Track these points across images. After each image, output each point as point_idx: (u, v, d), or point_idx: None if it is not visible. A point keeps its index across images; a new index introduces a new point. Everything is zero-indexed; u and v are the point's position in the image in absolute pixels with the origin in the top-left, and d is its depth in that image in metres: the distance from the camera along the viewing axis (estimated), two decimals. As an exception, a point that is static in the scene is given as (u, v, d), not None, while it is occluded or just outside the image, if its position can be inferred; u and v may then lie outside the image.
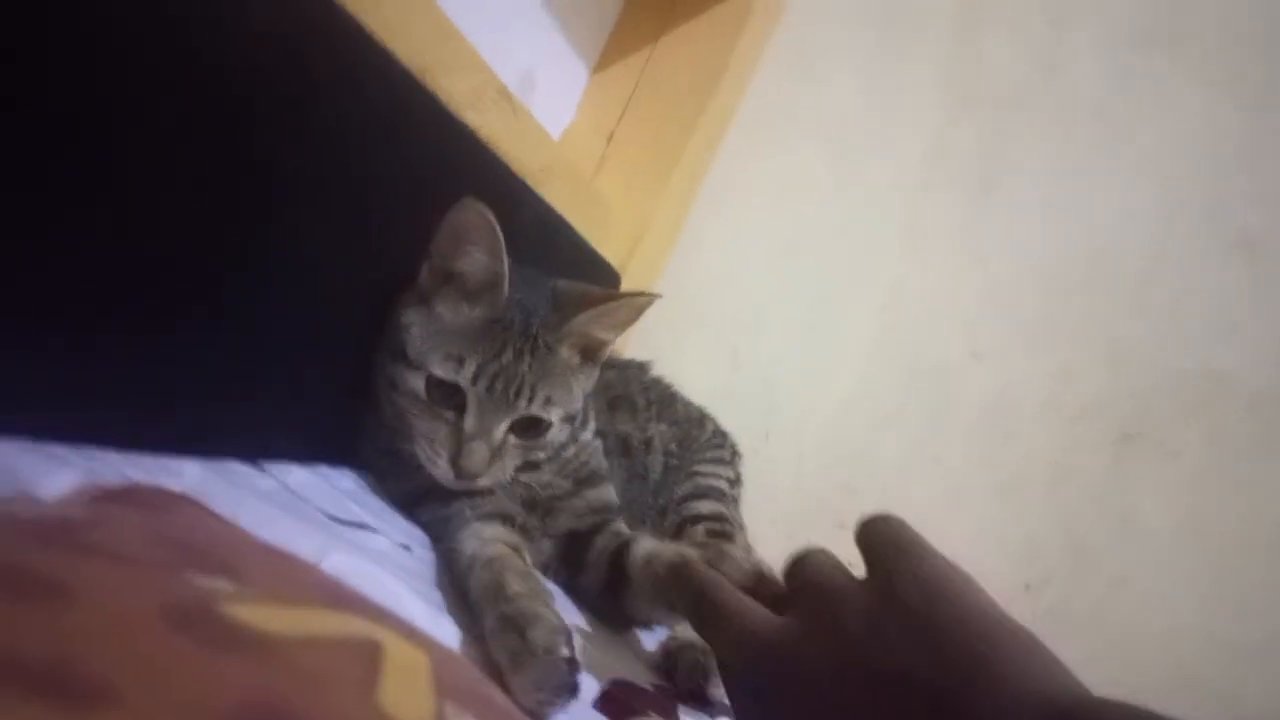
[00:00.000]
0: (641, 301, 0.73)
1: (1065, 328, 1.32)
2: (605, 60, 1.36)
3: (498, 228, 0.65)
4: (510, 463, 0.70)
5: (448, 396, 0.67)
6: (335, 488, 0.70)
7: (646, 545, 0.72)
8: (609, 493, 0.79)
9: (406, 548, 0.66)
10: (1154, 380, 1.27)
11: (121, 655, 0.15)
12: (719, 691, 0.65)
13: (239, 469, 0.63)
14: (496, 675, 0.51)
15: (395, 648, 0.23)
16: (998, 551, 1.30)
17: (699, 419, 1.11)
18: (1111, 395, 1.29)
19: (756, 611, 0.44)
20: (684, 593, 0.49)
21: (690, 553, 0.65)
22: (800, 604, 0.43)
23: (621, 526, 0.76)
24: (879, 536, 0.43)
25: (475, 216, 0.65)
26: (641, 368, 1.09)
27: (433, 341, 0.67)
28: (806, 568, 0.45)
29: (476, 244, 0.67)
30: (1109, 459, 1.27)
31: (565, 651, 0.51)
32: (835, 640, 0.39)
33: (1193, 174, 1.29)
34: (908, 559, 0.41)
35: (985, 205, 1.37)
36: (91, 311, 0.51)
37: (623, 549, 0.73)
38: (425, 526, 0.72)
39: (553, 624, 0.52)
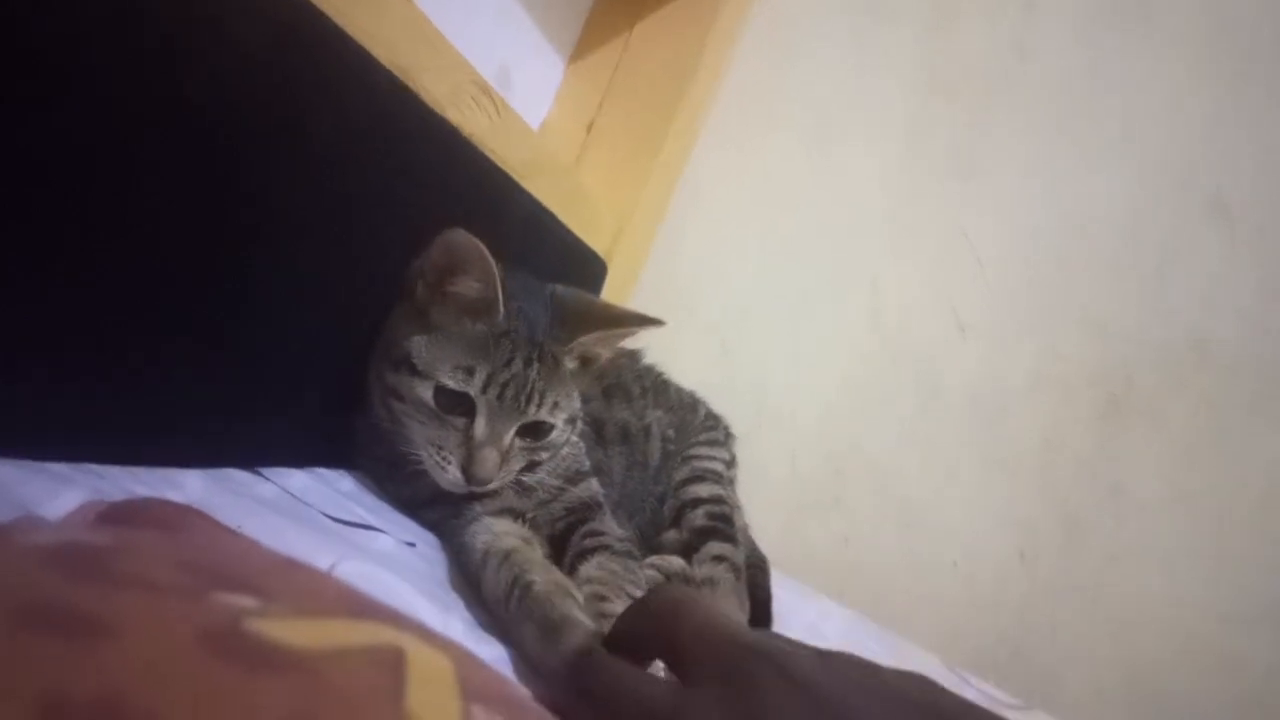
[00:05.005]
0: (647, 326, 0.75)
1: (1049, 303, 1.33)
2: (581, 50, 1.35)
3: (488, 254, 0.66)
4: (516, 465, 0.71)
5: (456, 404, 0.68)
6: (335, 490, 0.71)
7: (585, 570, 0.69)
8: (592, 487, 0.80)
9: (411, 545, 0.67)
10: (1139, 350, 1.29)
11: (167, 686, 0.15)
12: None
13: (239, 477, 0.63)
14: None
15: (418, 653, 0.24)
16: (992, 527, 1.31)
17: (691, 404, 1.12)
18: (1098, 367, 1.30)
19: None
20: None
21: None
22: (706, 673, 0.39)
23: (597, 525, 0.75)
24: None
25: (466, 243, 0.66)
26: (632, 356, 1.09)
27: (439, 352, 0.68)
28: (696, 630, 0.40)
29: (468, 272, 0.67)
30: (1098, 430, 1.29)
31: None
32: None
33: (1166, 146, 1.31)
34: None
35: (966, 186, 1.38)
36: (89, 331, 0.51)
37: (583, 555, 0.71)
38: (433, 526, 0.73)
39: (587, 629, 0.52)
